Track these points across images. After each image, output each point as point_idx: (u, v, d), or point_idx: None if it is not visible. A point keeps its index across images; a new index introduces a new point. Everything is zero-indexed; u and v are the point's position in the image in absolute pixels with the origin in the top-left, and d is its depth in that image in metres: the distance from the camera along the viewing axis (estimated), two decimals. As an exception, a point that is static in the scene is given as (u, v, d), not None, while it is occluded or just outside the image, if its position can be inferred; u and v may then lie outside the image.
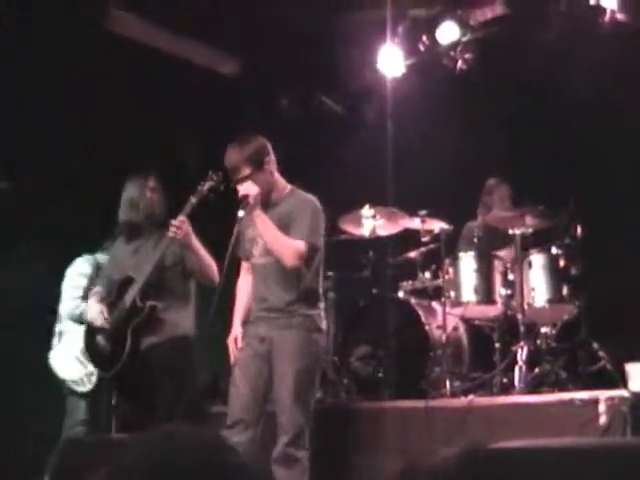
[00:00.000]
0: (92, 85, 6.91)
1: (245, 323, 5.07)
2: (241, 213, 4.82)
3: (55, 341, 6.38)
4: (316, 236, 4.95)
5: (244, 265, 5.22)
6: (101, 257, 6.35)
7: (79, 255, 6.44)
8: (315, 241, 4.93)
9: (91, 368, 6.09)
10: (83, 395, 6.25)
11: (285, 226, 4.90)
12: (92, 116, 7.00)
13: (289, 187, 5.10)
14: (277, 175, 5.08)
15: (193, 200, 5.30)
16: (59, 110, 6.90)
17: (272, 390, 4.86)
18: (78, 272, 6.35)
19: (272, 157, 5.02)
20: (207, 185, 5.31)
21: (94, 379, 6.22)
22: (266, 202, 4.98)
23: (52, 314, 6.39)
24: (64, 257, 6.50)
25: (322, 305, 5.06)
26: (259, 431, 4.84)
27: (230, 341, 5.05)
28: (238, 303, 5.18)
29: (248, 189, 4.84)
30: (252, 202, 4.82)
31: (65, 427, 6.20)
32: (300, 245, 4.85)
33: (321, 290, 5.10)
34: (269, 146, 5.03)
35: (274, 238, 4.87)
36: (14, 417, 6.90)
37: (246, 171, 4.89)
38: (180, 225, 5.28)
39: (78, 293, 6.21)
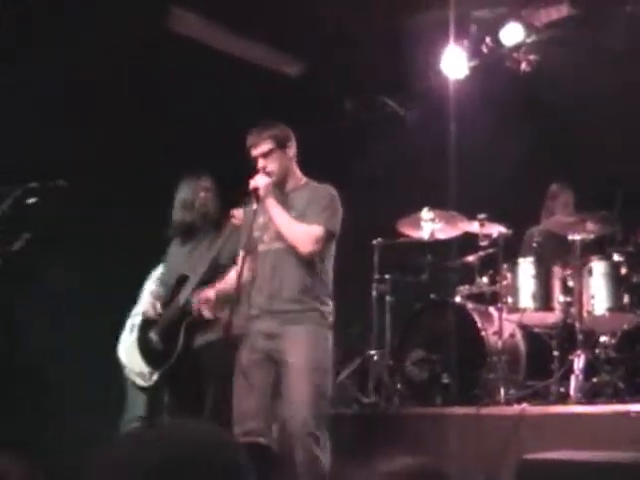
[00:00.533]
0: (152, 86, 6.97)
1: (248, 319, 4.91)
2: (249, 207, 4.86)
3: (126, 334, 6.46)
4: (333, 222, 4.86)
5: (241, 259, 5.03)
6: None
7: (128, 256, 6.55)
8: (332, 227, 4.85)
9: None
10: (143, 390, 6.29)
11: (301, 214, 4.86)
12: (151, 117, 7.05)
13: (305, 179, 5.08)
14: (295, 166, 5.06)
15: (235, 222, 5.31)
16: (117, 111, 6.97)
17: (281, 388, 4.71)
18: (156, 276, 6.45)
19: (294, 147, 5.01)
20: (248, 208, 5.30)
21: (155, 377, 6.27)
22: (281, 189, 4.97)
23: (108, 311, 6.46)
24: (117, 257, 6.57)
25: (331, 302, 4.94)
26: (271, 439, 4.71)
27: (198, 296, 4.98)
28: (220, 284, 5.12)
29: (258, 181, 4.83)
30: (263, 193, 4.81)
31: (123, 422, 6.26)
32: (316, 230, 4.79)
33: (331, 288, 4.99)
34: (294, 137, 5.03)
35: (288, 224, 4.81)
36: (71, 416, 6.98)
37: (267, 146, 4.89)
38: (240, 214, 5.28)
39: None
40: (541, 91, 7.36)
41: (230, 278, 5.07)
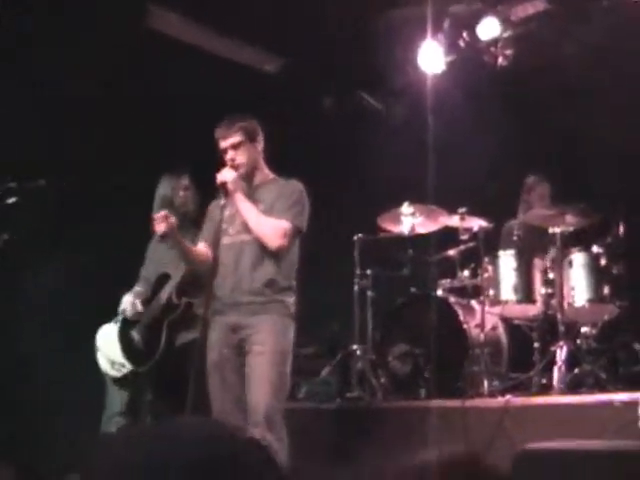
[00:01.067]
0: (134, 82, 6.95)
1: (213, 312, 4.87)
2: (220, 202, 4.85)
3: (111, 324, 6.46)
4: (301, 218, 4.89)
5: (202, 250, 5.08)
6: None
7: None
8: (299, 223, 4.88)
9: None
10: (118, 382, 6.28)
11: (269, 208, 4.87)
12: (129, 114, 7.04)
13: (272, 175, 5.09)
14: (263, 161, 5.07)
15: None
16: (104, 109, 6.95)
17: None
18: None
19: (262, 141, 5.03)
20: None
21: (125, 370, 6.26)
22: (249, 182, 4.98)
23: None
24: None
25: (294, 294, 4.94)
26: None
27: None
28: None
29: (225, 176, 4.83)
30: (231, 187, 4.81)
31: (103, 420, 6.24)
32: (285, 225, 4.81)
33: (294, 282, 4.99)
34: (261, 131, 5.04)
35: (257, 218, 4.82)
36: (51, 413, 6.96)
37: (237, 138, 4.90)
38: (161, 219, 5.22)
39: None
40: (518, 85, 7.40)
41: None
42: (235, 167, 4.89)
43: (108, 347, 6.19)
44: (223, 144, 4.93)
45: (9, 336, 7.21)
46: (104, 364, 6.15)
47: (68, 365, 6.68)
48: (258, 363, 4.67)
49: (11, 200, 6.07)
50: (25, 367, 7.09)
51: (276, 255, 4.83)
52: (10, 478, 2.38)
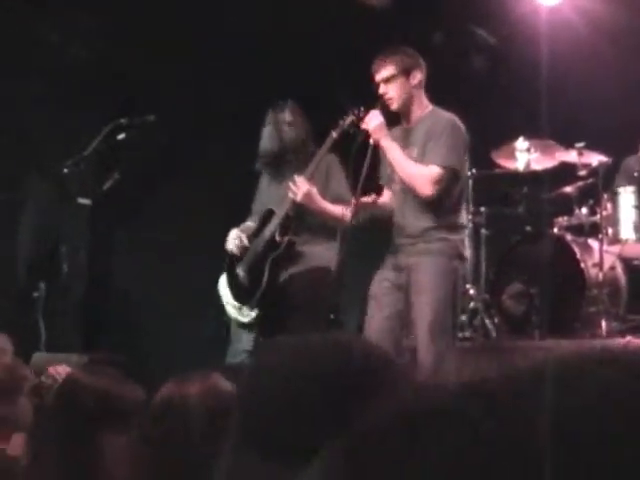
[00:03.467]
0: (238, 19, 6.88)
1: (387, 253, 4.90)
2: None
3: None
4: (453, 158, 4.72)
5: (386, 192, 5.06)
6: None
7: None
8: (453, 164, 4.71)
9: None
10: (243, 325, 6.28)
11: (422, 152, 4.74)
12: (239, 52, 6.98)
13: (430, 107, 4.93)
14: (422, 95, 4.91)
15: (334, 135, 5.21)
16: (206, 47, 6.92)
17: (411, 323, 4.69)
18: None
19: (422, 75, 4.88)
20: (348, 120, 5.20)
21: (253, 313, 6.25)
22: (406, 119, 4.86)
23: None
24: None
25: (465, 232, 4.87)
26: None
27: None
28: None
29: (370, 124, 4.72)
30: (376, 136, 4.70)
31: (228, 356, 6.27)
32: (434, 171, 4.66)
33: (465, 217, 4.91)
34: (423, 65, 4.90)
35: (404, 168, 4.71)
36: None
37: (388, 72, 4.78)
38: (299, 186, 5.19)
39: None
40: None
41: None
42: (388, 102, 4.79)
43: (225, 291, 6.21)
44: (376, 78, 4.84)
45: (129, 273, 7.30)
46: (230, 310, 6.17)
47: (186, 304, 6.72)
48: (420, 317, 4.63)
49: (121, 136, 6.09)
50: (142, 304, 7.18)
51: (436, 199, 4.71)
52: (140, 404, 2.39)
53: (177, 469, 2.06)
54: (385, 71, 4.81)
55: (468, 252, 4.93)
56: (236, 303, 5.94)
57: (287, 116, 5.70)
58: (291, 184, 5.21)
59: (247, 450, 1.20)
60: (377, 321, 4.76)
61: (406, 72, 4.82)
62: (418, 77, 4.87)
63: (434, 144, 4.72)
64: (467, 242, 4.95)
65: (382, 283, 4.82)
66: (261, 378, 1.25)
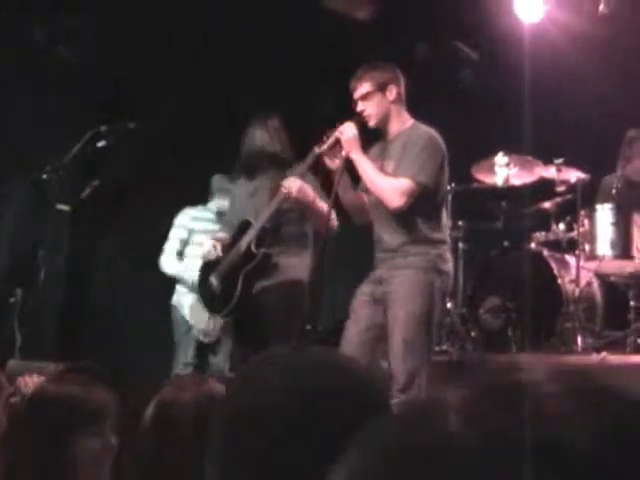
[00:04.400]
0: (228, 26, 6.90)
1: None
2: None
3: (183, 291, 6.48)
4: (425, 174, 4.65)
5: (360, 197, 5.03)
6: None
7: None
8: (424, 179, 4.64)
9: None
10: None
11: (397, 167, 4.74)
12: (223, 61, 6.99)
13: (411, 121, 4.92)
14: (402, 110, 4.91)
15: (316, 151, 5.19)
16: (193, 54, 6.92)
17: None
18: (178, 223, 6.48)
19: (400, 90, 4.88)
20: (332, 137, 5.20)
21: (217, 333, 6.30)
22: (384, 135, 4.87)
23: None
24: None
25: (445, 246, 4.85)
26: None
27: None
28: None
29: (342, 133, 4.73)
30: (348, 149, 4.70)
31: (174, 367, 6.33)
32: (404, 184, 4.62)
33: (445, 232, 4.88)
34: (401, 79, 4.90)
35: (372, 180, 4.69)
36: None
37: (366, 88, 4.78)
38: (291, 184, 5.20)
39: (175, 246, 6.37)
40: (620, 33, 7.13)
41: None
42: (366, 119, 4.79)
43: (197, 317, 6.25)
44: (354, 96, 4.84)
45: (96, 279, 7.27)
46: (198, 334, 6.23)
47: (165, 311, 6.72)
48: (395, 330, 4.59)
49: (101, 143, 6.08)
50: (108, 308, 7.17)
51: (409, 213, 4.68)
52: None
53: (171, 474, 2.09)
54: (361, 88, 4.80)
55: (450, 265, 4.89)
56: (202, 325, 6.03)
57: (276, 122, 5.71)
58: (283, 183, 5.21)
59: (230, 465, 1.20)
60: (351, 334, 4.74)
61: (382, 88, 4.80)
62: (394, 92, 4.83)
63: (407, 157, 4.71)
64: (449, 256, 4.91)
65: (360, 297, 4.80)
66: (247, 394, 1.26)
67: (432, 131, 4.82)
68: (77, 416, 2.38)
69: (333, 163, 4.86)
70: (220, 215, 6.35)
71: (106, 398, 2.44)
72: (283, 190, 5.22)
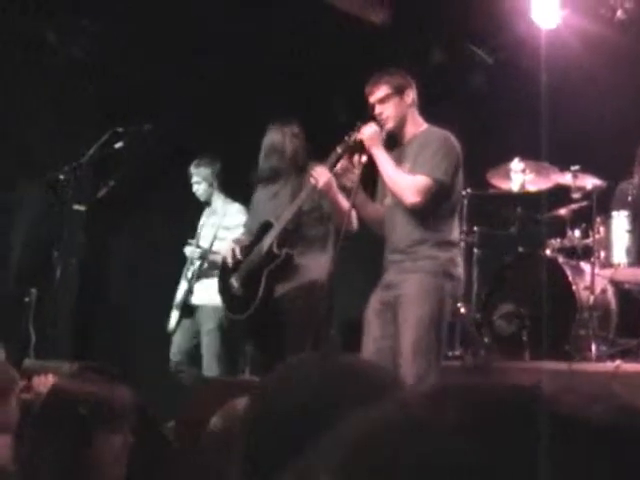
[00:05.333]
0: (243, 32, 6.90)
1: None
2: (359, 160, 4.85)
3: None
4: (441, 171, 4.72)
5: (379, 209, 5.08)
6: None
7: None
8: (440, 176, 4.70)
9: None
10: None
11: (413, 166, 4.78)
12: (234, 65, 7.00)
13: (425, 125, 4.97)
14: (416, 114, 4.98)
15: (339, 150, 5.22)
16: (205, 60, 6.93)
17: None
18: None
19: (414, 95, 4.93)
20: (354, 136, 5.22)
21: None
22: (400, 138, 4.91)
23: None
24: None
25: (456, 249, 4.87)
26: None
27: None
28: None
29: (364, 132, 4.78)
30: (368, 144, 4.76)
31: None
32: (420, 181, 4.68)
33: (456, 234, 4.91)
34: (414, 85, 4.98)
35: (391, 175, 4.74)
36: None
37: (384, 91, 4.84)
38: (320, 174, 5.21)
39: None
40: (637, 40, 7.11)
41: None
42: (383, 122, 4.84)
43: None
44: (371, 99, 4.90)
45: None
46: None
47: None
48: (404, 334, 4.60)
49: (118, 145, 6.10)
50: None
51: (422, 212, 4.72)
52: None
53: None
54: (379, 92, 4.87)
55: (461, 270, 4.90)
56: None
57: (294, 128, 5.73)
58: (312, 172, 5.21)
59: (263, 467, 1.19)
60: (368, 343, 4.76)
61: (400, 91, 4.88)
62: (411, 96, 4.93)
63: (424, 156, 4.76)
64: (460, 260, 4.92)
65: (374, 304, 4.82)
66: (282, 398, 1.25)
67: (447, 133, 4.89)
68: (101, 413, 2.43)
69: (348, 180, 4.90)
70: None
71: (126, 396, 2.49)
72: (311, 180, 5.22)
